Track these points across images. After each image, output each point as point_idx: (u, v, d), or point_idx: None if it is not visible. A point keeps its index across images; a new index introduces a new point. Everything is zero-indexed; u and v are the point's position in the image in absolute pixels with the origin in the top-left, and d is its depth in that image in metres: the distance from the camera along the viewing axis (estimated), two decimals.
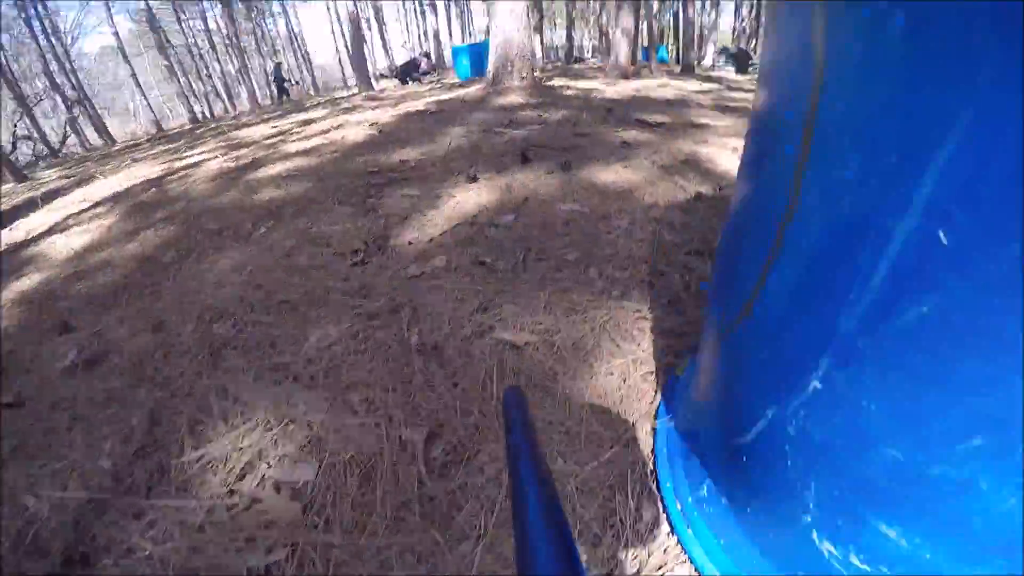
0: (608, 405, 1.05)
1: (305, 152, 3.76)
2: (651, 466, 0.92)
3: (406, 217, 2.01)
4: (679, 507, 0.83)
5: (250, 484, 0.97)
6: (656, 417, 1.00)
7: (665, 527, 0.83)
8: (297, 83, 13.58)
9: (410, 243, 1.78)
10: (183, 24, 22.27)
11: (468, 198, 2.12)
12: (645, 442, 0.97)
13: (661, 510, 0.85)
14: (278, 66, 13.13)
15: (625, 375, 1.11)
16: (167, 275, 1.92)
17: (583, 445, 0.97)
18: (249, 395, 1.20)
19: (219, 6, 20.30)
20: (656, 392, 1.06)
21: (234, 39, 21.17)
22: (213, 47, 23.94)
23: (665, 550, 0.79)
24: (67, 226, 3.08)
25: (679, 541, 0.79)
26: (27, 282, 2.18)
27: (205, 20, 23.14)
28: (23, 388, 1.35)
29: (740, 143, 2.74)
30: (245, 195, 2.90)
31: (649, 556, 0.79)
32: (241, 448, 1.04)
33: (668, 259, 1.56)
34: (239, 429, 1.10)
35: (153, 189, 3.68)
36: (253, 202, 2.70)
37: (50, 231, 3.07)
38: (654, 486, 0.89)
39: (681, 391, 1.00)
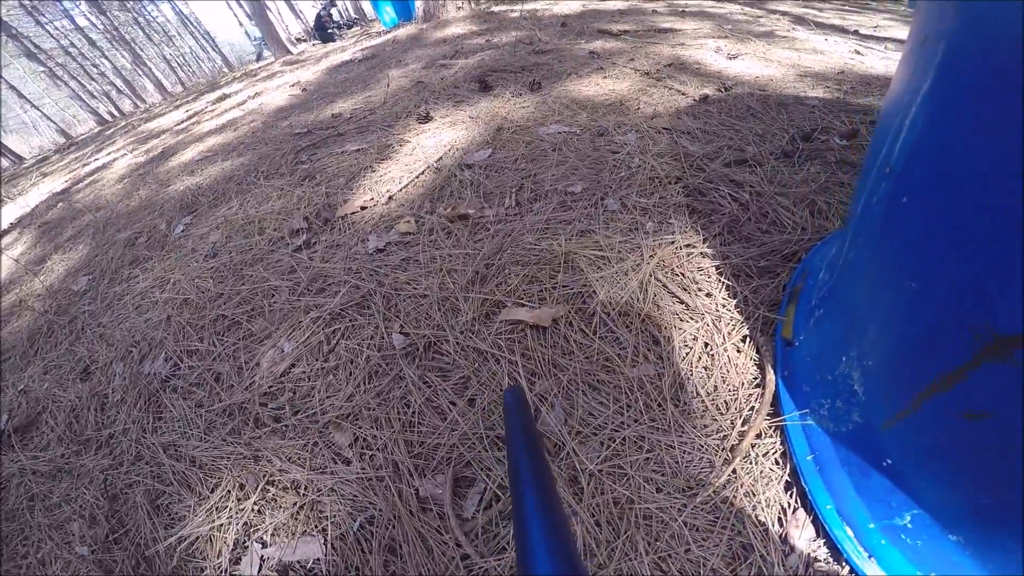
0: (697, 398, 0.72)
1: (220, 129, 3.15)
2: (785, 477, 0.61)
3: (352, 177, 1.56)
4: (851, 533, 0.55)
5: (250, 570, 0.71)
6: (779, 406, 0.68)
7: (828, 561, 0.54)
8: (346, 26, 11.13)
9: (363, 208, 1.36)
10: (46, 27, 19.34)
11: (425, 140, 1.67)
12: (768, 447, 0.65)
13: (817, 539, 0.55)
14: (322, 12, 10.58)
15: (709, 347, 0.78)
16: (83, 307, 1.55)
17: (679, 466, 0.65)
18: (205, 453, 0.89)
19: (83, 3, 17.62)
20: (762, 367, 0.74)
21: (114, 32, 18.66)
22: (93, 44, 21.05)
23: None
24: None
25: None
26: None
27: (72, 19, 20.15)
28: None
29: (718, 43, 2.34)
30: (157, 191, 2.38)
31: None
32: (220, 524, 0.78)
33: (703, 174, 1.21)
34: (209, 499, 0.82)
35: (60, 204, 3.22)
36: (166, 197, 2.20)
37: None
38: (801, 508, 0.58)
39: (804, 362, 0.68)
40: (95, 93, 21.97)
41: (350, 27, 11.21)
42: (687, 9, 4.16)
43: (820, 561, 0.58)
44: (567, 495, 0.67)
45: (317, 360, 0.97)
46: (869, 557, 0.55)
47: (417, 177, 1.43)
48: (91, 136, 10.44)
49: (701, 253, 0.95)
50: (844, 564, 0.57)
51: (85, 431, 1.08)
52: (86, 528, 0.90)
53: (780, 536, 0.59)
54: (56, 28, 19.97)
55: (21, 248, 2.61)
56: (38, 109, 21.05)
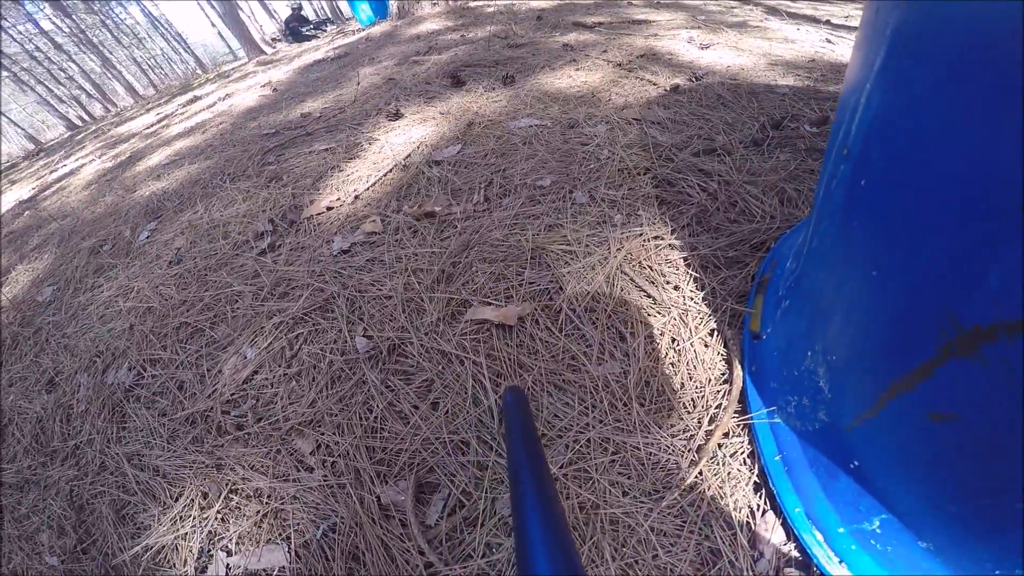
0: (663, 397, 0.71)
1: (188, 132, 3.07)
2: (753, 478, 0.59)
3: (319, 177, 1.52)
4: (820, 538, 0.53)
5: None
6: (747, 403, 0.67)
7: (798, 566, 0.52)
8: (319, 26, 10.56)
9: (329, 208, 1.32)
10: (9, 31, 18.66)
11: (394, 138, 1.64)
12: (735, 446, 0.64)
13: (788, 543, 0.54)
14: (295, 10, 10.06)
15: (675, 342, 0.76)
16: (47, 317, 1.52)
17: (644, 469, 0.63)
18: (169, 462, 0.88)
19: (47, 6, 17.02)
20: (730, 362, 0.73)
21: (81, 35, 18.08)
22: (59, 48, 20.34)
23: None
24: None
25: None
26: None
27: (36, 23, 19.45)
28: None
29: (691, 34, 2.33)
30: (123, 197, 2.32)
31: None
32: (184, 533, 0.77)
33: (672, 164, 1.19)
34: (173, 508, 0.81)
35: (26, 213, 3.17)
36: (131, 203, 2.13)
37: None
38: (771, 511, 0.57)
39: (772, 356, 0.66)
40: (63, 98, 21.32)
41: (325, 26, 11.02)
42: (662, 1, 4.16)
43: (791, 567, 0.57)
44: None
45: (280, 366, 0.94)
46: (840, 562, 0.53)
47: (385, 175, 1.39)
48: (61, 142, 10.20)
49: (669, 245, 0.94)
50: (815, 570, 0.56)
51: (51, 442, 1.07)
52: (55, 539, 0.89)
53: (749, 540, 0.58)
54: (20, 32, 19.31)
55: None
56: (4, 115, 20.36)
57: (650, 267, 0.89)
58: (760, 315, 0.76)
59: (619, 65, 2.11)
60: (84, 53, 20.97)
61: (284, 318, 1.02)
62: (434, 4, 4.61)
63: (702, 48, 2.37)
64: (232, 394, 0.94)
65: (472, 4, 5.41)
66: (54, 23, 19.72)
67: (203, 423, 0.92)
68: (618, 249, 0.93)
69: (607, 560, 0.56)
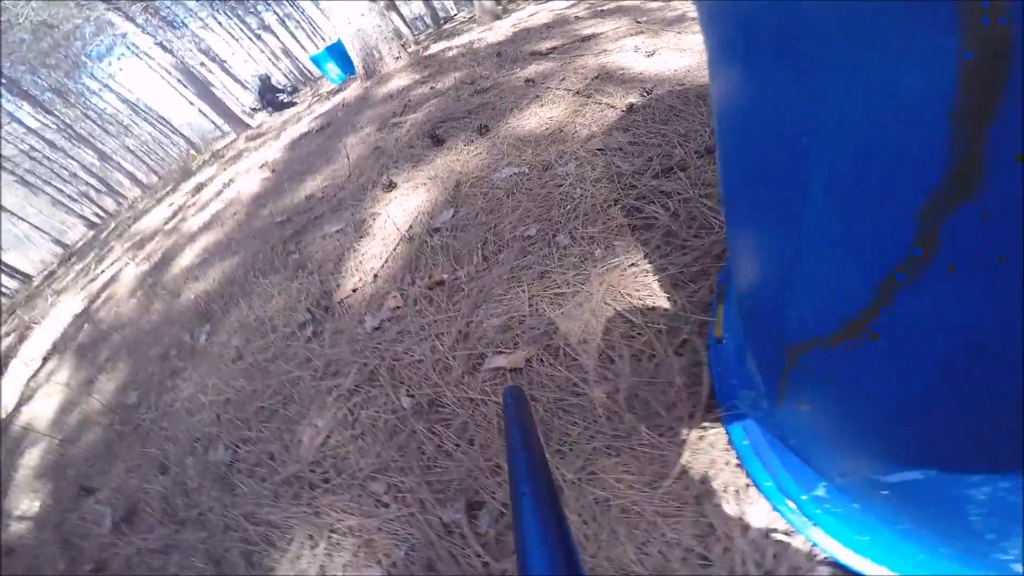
0: (648, 404, 0.88)
1: (207, 225, 3.37)
2: (734, 462, 0.77)
3: (338, 261, 1.75)
4: (793, 506, 0.69)
5: None
6: (715, 398, 0.84)
7: (781, 533, 0.69)
8: (292, 92, 11.05)
9: (354, 290, 1.54)
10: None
11: (394, 210, 1.86)
12: (713, 437, 0.81)
13: (772, 512, 0.71)
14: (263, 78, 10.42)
15: (654, 357, 0.94)
16: (142, 416, 1.79)
17: (642, 465, 0.81)
18: (278, 516, 1.09)
19: (24, 104, 18.03)
20: (700, 366, 0.90)
21: (68, 130, 19.06)
22: (53, 145, 21.42)
23: (792, 551, 0.65)
24: (30, 395, 3.05)
25: (809, 542, 0.66)
26: (27, 458, 2.19)
27: (20, 121, 20.48)
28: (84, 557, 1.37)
29: (636, 41, 2.49)
30: (170, 303, 2.61)
31: (776, 560, 0.66)
32: (303, 568, 0.98)
33: (636, 191, 1.37)
34: (288, 551, 1.02)
35: (86, 325, 3.52)
36: (181, 308, 2.42)
37: (17, 405, 3.03)
38: (753, 487, 0.74)
39: (731, 357, 0.83)
40: (74, 196, 22.40)
41: (298, 90, 11.49)
42: (605, 8, 4.33)
43: (777, 531, 0.69)
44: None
45: (346, 429, 1.15)
46: (813, 525, 0.66)
47: (394, 250, 1.61)
48: (87, 242, 10.83)
49: (643, 270, 1.12)
50: (796, 534, 0.67)
51: (179, 513, 1.29)
52: None
53: (738, 514, 0.74)
54: (8, 132, 20.13)
55: (67, 372, 2.87)
56: (25, 220, 21.56)
57: (628, 295, 1.07)
58: (721, 322, 0.93)
59: (578, 93, 2.29)
60: (78, 147, 21.85)
61: (341, 391, 1.23)
62: (396, 59, 4.87)
63: (648, 56, 2.54)
64: (314, 457, 1.16)
65: (433, 49, 5.67)
66: (37, 120, 20.62)
67: (297, 482, 1.14)
68: (600, 283, 1.12)
69: (623, 542, 0.74)
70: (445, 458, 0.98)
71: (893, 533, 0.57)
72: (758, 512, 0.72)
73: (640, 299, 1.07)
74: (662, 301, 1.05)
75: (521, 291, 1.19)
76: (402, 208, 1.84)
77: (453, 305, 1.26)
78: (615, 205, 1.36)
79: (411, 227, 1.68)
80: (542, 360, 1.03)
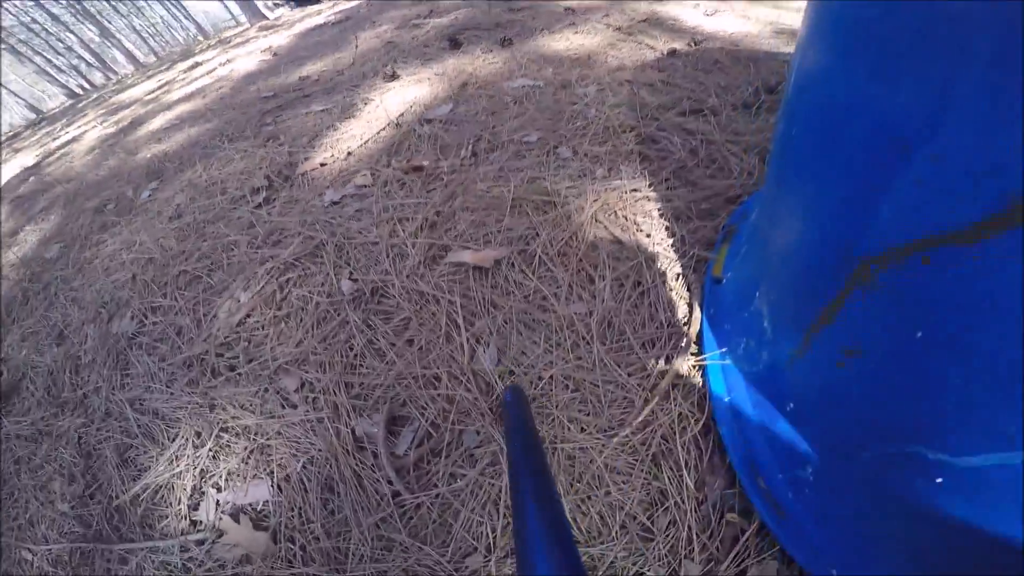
0: (623, 336, 0.75)
1: (189, 97, 3.08)
2: (704, 420, 0.64)
3: (315, 136, 1.55)
4: (764, 486, 0.57)
5: (207, 514, 0.76)
6: (701, 344, 0.71)
7: (739, 515, 0.57)
8: None
9: (323, 164, 1.35)
10: (5, 5, 18.24)
11: (390, 98, 1.65)
12: (688, 388, 0.68)
13: (732, 488, 0.58)
14: None
15: (640, 284, 0.80)
16: (56, 273, 1.57)
17: (601, 406, 0.68)
18: (167, 404, 0.93)
19: None
20: (691, 305, 0.76)
21: (77, 6, 17.72)
22: (56, 19, 19.92)
23: (746, 538, 0.53)
24: None
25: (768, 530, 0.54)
26: None
27: None
28: None
29: (700, 1, 2.26)
30: (125, 160, 2.36)
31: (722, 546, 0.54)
32: (178, 472, 0.82)
33: (657, 123, 1.21)
34: (169, 448, 0.86)
35: (31, 178, 3.21)
36: (133, 165, 2.18)
37: None
38: (717, 454, 0.61)
39: (728, 299, 0.70)
40: (63, 67, 21.05)
41: None
42: None
43: (733, 512, 0.58)
44: (496, 433, 0.70)
45: (270, 309, 0.99)
46: (780, 511, 0.54)
47: (378, 133, 1.42)
48: (63, 110, 10.17)
49: (646, 197, 0.97)
50: (755, 518, 0.56)
51: (62, 393, 1.12)
52: (66, 486, 0.93)
53: (696, 482, 0.61)
54: (15, 5, 18.91)
55: None
56: (4, 87, 20.20)
57: (625, 217, 0.92)
58: (723, 261, 0.79)
59: (619, 29, 2.08)
60: (82, 23, 20.56)
61: (276, 264, 1.07)
62: None
63: (707, 15, 2.33)
64: (226, 337, 1.00)
65: None
66: None
67: (199, 366, 0.97)
68: (596, 199, 0.96)
69: (562, 494, 0.61)
70: (375, 357, 0.83)
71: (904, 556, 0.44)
72: (720, 484, 0.60)
73: (637, 224, 0.92)
74: (660, 231, 0.90)
75: (506, 191, 1.02)
76: (399, 98, 1.64)
77: (427, 192, 1.09)
78: (630, 131, 1.20)
79: (402, 115, 1.48)
80: (513, 264, 0.88)
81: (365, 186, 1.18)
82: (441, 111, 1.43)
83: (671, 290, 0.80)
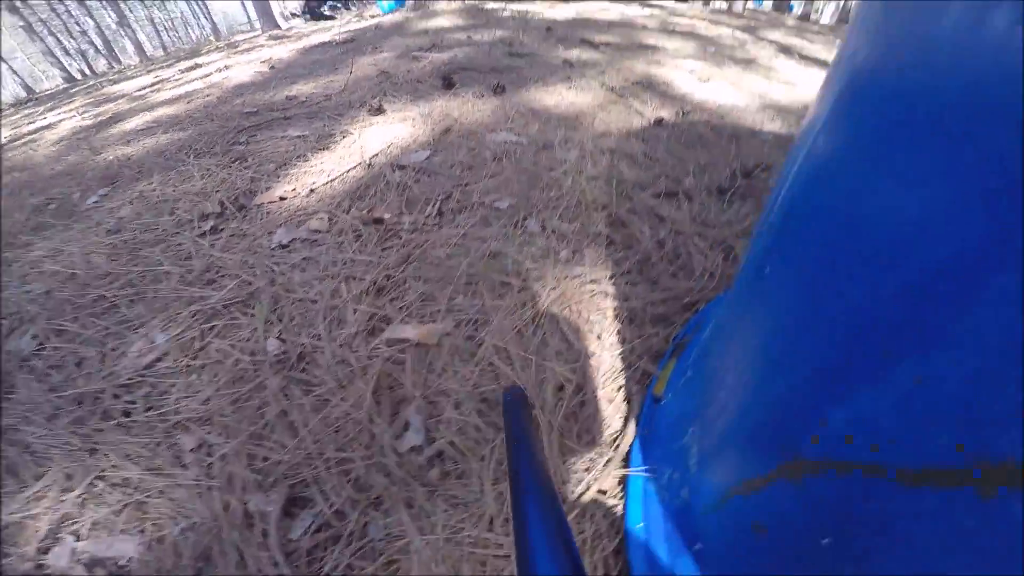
0: (561, 445, 0.67)
1: (174, 100, 2.99)
2: (616, 542, 0.56)
3: (283, 164, 1.47)
4: None
5: (60, 559, 0.66)
6: (628, 463, 0.64)
7: None
8: (337, 7, 10.23)
9: (282, 198, 1.27)
10: None
11: (369, 134, 1.59)
12: (608, 505, 0.61)
13: None
14: None
15: (581, 392, 0.73)
16: None
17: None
18: (41, 440, 0.81)
19: None
20: (627, 421, 0.70)
21: None
22: (80, 0, 19.93)
23: None
24: None
25: None
26: None
27: None
28: None
29: (694, 65, 2.33)
30: (87, 158, 2.23)
31: None
32: (35, 513, 0.71)
33: (630, 203, 1.16)
34: (30, 488, 0.75)
35: None
36: (92, 165, 2.06)
37: None
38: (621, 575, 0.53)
39: (664, 424, 0.63)
40: (70, 51, 20.91)
41: (344, 8, 10.96)
42: (677, 28, 4.16)
43: None
44: (409, 526, 0.61)
45: (185, 356, 0.89)
46: None
47: (347, 172, 1.35)
48: (54, 93, 10.00)
49: (604, 292, 0.91)
50: None
51: None
52: None
53: None
54: None
55: None
56: (6, 62, 19.90)
57: (579, 312, 0.86)
58: (667, 380, 0.73)
59: (612, 89, 2.09)
60: (104, 8, 20.58)
61: (203, 307, 0.97)
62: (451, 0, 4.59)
63: (700, 81, 2.37)
64: (129, 378, 0.89)
65: (489, 5, 5.40)
66: None
67: (90, 404, 0.87)
68: (553, 288, 0.89)
69: None
70: (286, 431, 0.74)
71: None
72: None
73: (590, 322, 0.85)
74: (611, 335, 0.83)
75: (466, 263, 0.95)
76: (379, 135, 1.58)
77: (382, 251, 1.01)
78: (602, 210, 1.15)
79: (376, 155, 1.42)
80: (457, 349, 0.80)
81: (319, 231, 1.10)
82: (417, 157, 1.37)
83: (610, 402, 0.73)
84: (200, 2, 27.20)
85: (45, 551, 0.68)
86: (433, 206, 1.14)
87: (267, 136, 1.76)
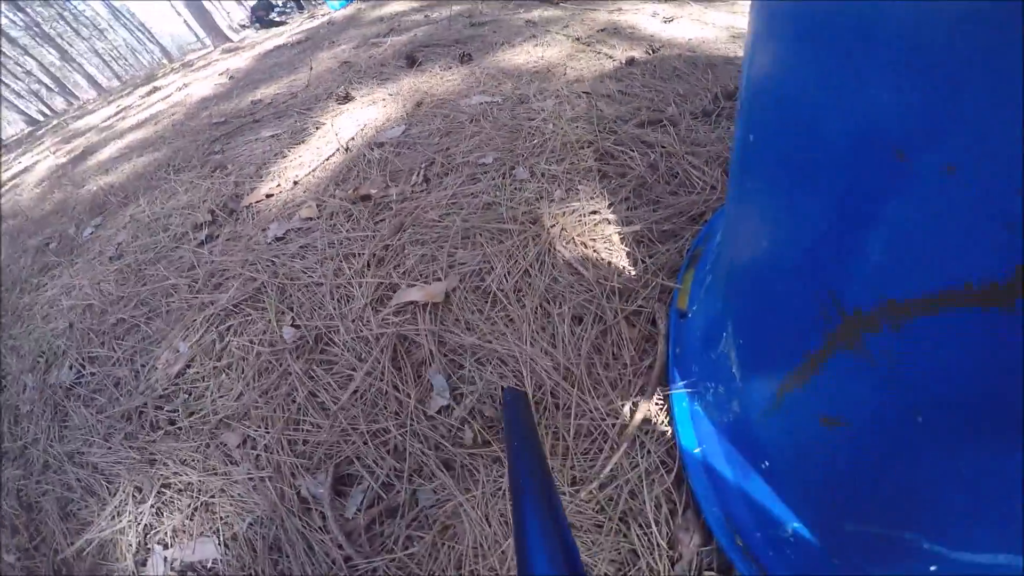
0: (588, 379, 0.69)
1: (141, 124, 2.96)
2: (676, 471, 0.58)
3: (262, 164, 1.46)
4: (740, 543, 0.52)
5: (155, 570, 0.72)
6: (668, 383, 0.65)
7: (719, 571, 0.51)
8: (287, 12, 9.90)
9: (268, 196, 1.27)
10: None
11: (341, 121, 1.58)
12: (657, 434, 0.63)
13: (708, 545, 0.52)
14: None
15: (602, 320, 0.74)
16: None
17: (567, 455, 0.62)
18: (105, 459, 0.87)
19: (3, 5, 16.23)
20: (656, 342, 0.71)
21: (36, 29, 17.29)
22: (14, 42, 19.33)
23: None
24: None
25: None
26: None
27: None
28: None
29: (657, 8, 2.27)
30: (71, 193, 2.24)
31: None
32: (121, 528, 0.77)
33: (615, 136, 1.16)
34: (110, 504, 0.81)
35: None
36: (78, 199, 2.06)
37: None
38: (691, 509, 0.55)
39: (695, 337, 0.64)
40: (22, 92, 20.44)
41: (293, 11, 10.64)
42: None
43: (711, 570, 0.53)
44: (456, 491, 0.64)
45: (210, 359, 0.91)
46: (761, 570, 0.49)
47: (327, 160, 1.34)
48: (20, 138, 9.83)
49: (605, 220, 0.92)
50: (736, 573, 0.51)
51: (1, 444, 1.06)
52: (9, 537, 0.90)
53: (668, 540, 0.55)
54: None
55: None
56: None
57: (583, 244, 0.87)
58: (689, 291, 0.74)
59: (578, 39, 2.05)
60: (41, 47, 20.03)
61: (215, 310, 0.98)
62: None
63: (665, 22, 2.32)
64: (165, 389, 0.92)
65: None
66: (8, 17, 18.73)
67: (137, 419, 0.91)
68: (553, 225, 0.90)
69: None
70: (318, 412, 0.76)
71: None
72: (695, 542, 0.54)
73: (596, 251, 0.86)
74: (621, 258, 0.84)
75: (460, 219, 0.96)
76: (351, 120, 1.57)
77: (375, 224, 1.02)
78: (588, 147, 1.15)
79: (353, 139, 1.41)
80: (466, 300, 0.81)
81: (311, 219, 1.10)
82: (393, 133, 1.36)
83: (633, 326, 0.74)
84: (142, 28, 26.41)
85: (143, 563, 0.73)
86: (418, 175, 1.14)
87: (241, 141, 1.74)
